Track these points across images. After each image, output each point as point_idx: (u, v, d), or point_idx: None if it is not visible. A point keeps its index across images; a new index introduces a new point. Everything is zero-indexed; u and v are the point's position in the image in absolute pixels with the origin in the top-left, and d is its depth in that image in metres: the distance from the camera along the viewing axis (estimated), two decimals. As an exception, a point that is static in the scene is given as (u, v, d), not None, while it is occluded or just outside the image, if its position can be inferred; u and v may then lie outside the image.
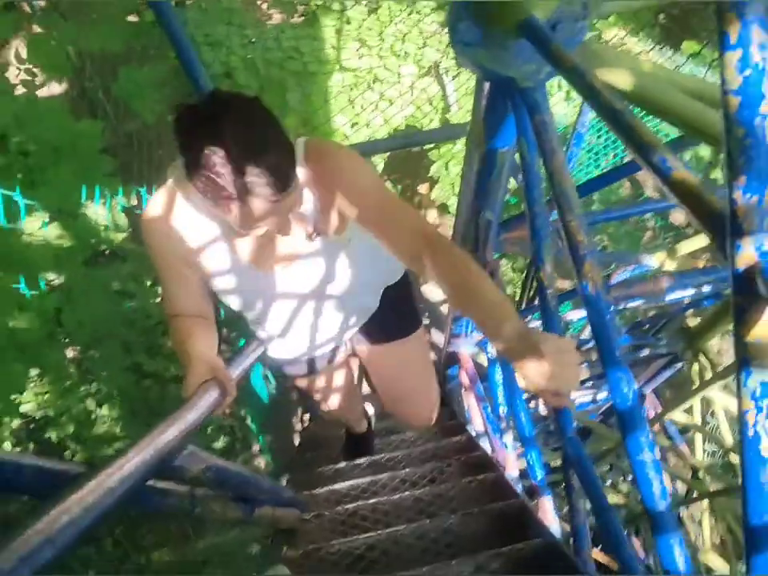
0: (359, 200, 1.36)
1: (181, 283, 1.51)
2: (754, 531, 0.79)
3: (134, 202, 2.59)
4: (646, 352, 4.03)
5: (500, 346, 1.12)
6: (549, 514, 1.90)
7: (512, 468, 2.35)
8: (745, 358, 0.74)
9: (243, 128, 1.11)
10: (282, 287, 1.58)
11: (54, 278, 2.40)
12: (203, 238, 1.43)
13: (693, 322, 3.92)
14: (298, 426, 4.63)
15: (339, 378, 2.26)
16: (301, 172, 1.28)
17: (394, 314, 1.92)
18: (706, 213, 0.78)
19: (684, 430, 3.97)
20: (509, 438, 2.35)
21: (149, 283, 3.95)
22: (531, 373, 1.05)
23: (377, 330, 1.95)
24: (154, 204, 1.40)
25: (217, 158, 1.09)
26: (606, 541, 1.42)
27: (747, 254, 0.70)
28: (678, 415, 3.04)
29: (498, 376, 2.43)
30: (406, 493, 2.37)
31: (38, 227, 2.23)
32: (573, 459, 1.51)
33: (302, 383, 2.20)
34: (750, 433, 0.75)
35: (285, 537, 2.18)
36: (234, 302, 1.64)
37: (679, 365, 3.97)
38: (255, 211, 1.16)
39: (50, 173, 2.19)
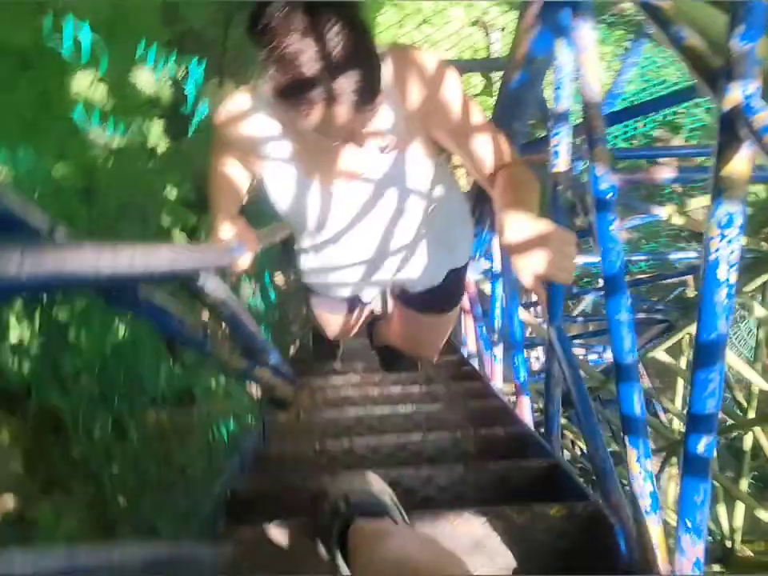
0: (446, 99, 1.30)
1: (232, 174, 1.55)
2: (702, 347, 0.93)
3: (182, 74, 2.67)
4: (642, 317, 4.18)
5: (511, 232, 1.16)
6: (526, 411, 2.05)
7: (498, 379, 2.50)
8: (718, 190, 0.87)
9: (340, 26, 1.00)
10: (346, 204, 1.52)
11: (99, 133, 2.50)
12: (269, 141, 1.40)
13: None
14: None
15: (355, 320, 2.28)
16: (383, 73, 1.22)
17: (445, 295, 1.94)
18: (707, 70, 0.90)
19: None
20: (499, 350, 2.50)
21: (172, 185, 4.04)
22: (533, 260, 1.12)
23: (421, 300, 1.96)
24: (232, 97, 1.40)
25: (306, 56, 1.00)
26: (580, 424, 1.57)
27: (734, 96, 0.83)
28: (661, 355, 3.19)
29: (499, 289, 2.56)
30: (397, 387, 2.53)
31: (87, 84, 2.34)
32: (555, 346, 1.65)
33: (321, 312, 2.21)
34: (712, 257, 0.89)
35: (276, 403, 2.33)
36: (293, 214, 1.57)
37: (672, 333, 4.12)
38: (335, 118, 1.08)
39: (109, 33, 2.27)
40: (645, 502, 1.17)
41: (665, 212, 2.69)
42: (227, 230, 1.47)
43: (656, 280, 3.72)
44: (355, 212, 1.54)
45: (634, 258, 3.11)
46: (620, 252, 1.25)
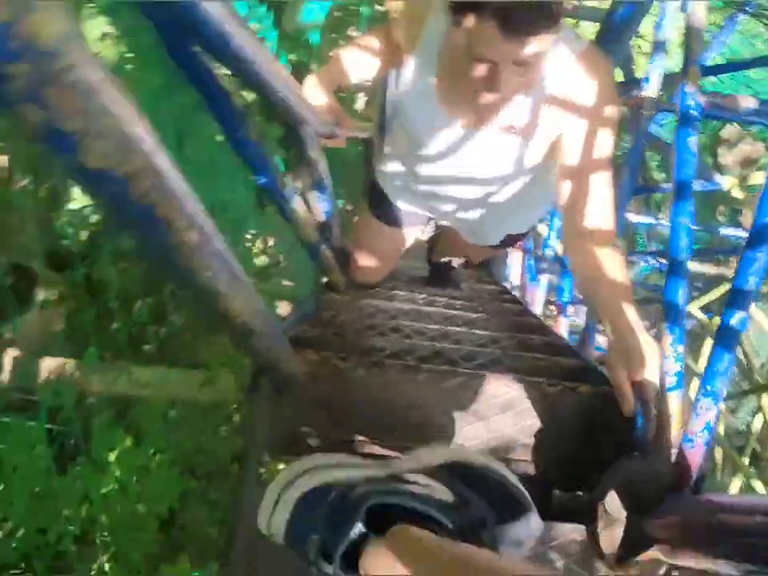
0: (594, 140, 1.31)
1: (366, 55, 1.59)
2: (757, 229, 1.07)
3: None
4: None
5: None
6: (563, 328, 2.21)
7: (537, 305, 2.65)
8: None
9: None
10: (450, 141, 1.54)
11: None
12: (425, 44, 1.41)
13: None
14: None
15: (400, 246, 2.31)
16: (560, 67, 1.27)
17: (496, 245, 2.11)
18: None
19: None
20: (544, 278, 2.64)
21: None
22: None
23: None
24: None
25: None
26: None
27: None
28: (697, 312, 3.30)
29: (557, 220, 2.69)
30: (443, 298, 2.70)
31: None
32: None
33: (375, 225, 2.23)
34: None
35: (330, 286, 2.50)
36: (404, 118, 1.60)
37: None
38: (489, 38, 1.09)
39: None
40: (670, 380, 1.32)
41: (727, 182, 2.76)
42: (321, 100, 1.57)
43: (702, 255, 3.80)
44: (453, 154, 1.58)
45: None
46: (694, 163, 1.38)
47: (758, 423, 3.52)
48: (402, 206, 2.03)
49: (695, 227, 3.26)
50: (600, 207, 1.34)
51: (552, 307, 2.27)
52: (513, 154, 1.46)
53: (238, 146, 1.39)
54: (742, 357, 3.37)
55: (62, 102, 0.39)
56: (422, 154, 1.64)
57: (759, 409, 3.60)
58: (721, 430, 3.67)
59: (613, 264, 1.29)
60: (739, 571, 0.98)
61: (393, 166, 1.95)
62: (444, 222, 2.15)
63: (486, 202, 1.72)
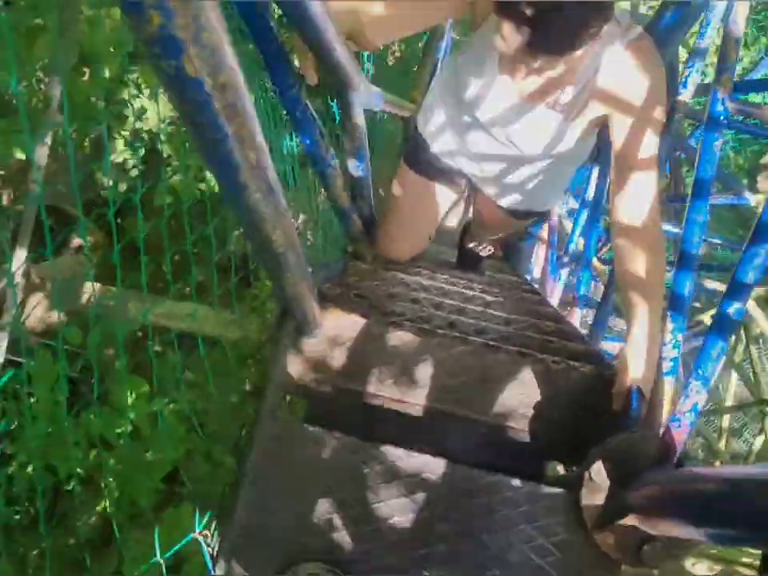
0: (637, 136, 1.33)
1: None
2: (762, 225, 1.15)
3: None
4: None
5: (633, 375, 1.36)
6: (576, 318, 2.28)
7: (555, 298, 2.72)
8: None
9: None
10: (496, 107, 1.56)
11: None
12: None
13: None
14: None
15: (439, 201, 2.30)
16: (609, 57, 1.30)
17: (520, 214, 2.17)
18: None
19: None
20: (564, 272, 2.71)
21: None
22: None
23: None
24: None
25: None
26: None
27: None
28: (709, 319, 3.35)
29: (583, 216, 2.76)
30: (462, 280, 2.77)
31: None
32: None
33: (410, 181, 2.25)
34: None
35: (356, 255, 2.58)
36: (460, 71, 1.61)
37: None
38: (511, 32, 1.14)
39: None
40: (666, 365, 1.40)
41: (754, 198, 2.79)
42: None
43: (722, 272, 3.79)
44: (503, 122, 1.60)
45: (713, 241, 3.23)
46: (715, 164, 1.45)
47: (758, 443, 3.57)
48: (440, 154, 2.05)
49: (720, 242, 3.32)
50: (640, 206, 1.36)
51: (570, 308, 2.34)
52: (552, 133, 1.51)
53: (290, 105, 1.48)
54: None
55: (179, 13, 0.49)
56: (471, 120, 1.69)
57: (762, 430, 3.65)
58: (722, 445, 3.73)
59: (643, 263, 1.34)
60: (709, 536, 1.06)
61: (437, 121, 1.95)
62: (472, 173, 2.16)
63: (519, 169, 1.79)
